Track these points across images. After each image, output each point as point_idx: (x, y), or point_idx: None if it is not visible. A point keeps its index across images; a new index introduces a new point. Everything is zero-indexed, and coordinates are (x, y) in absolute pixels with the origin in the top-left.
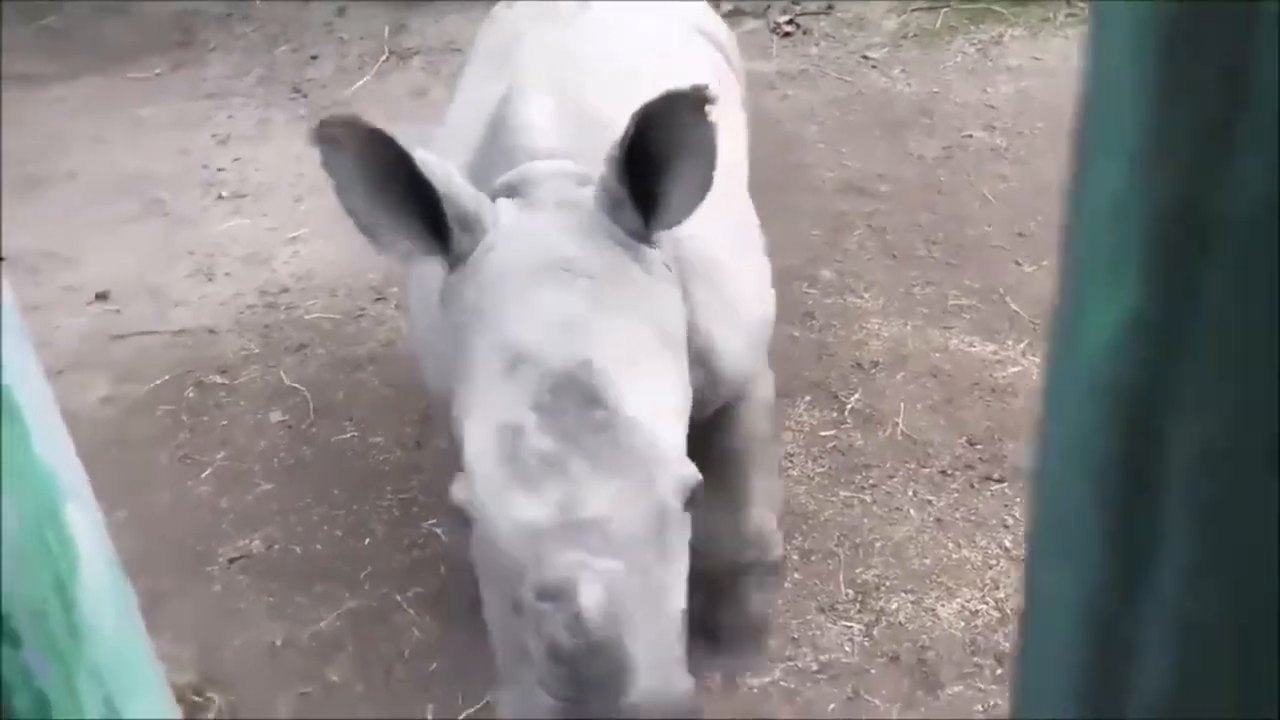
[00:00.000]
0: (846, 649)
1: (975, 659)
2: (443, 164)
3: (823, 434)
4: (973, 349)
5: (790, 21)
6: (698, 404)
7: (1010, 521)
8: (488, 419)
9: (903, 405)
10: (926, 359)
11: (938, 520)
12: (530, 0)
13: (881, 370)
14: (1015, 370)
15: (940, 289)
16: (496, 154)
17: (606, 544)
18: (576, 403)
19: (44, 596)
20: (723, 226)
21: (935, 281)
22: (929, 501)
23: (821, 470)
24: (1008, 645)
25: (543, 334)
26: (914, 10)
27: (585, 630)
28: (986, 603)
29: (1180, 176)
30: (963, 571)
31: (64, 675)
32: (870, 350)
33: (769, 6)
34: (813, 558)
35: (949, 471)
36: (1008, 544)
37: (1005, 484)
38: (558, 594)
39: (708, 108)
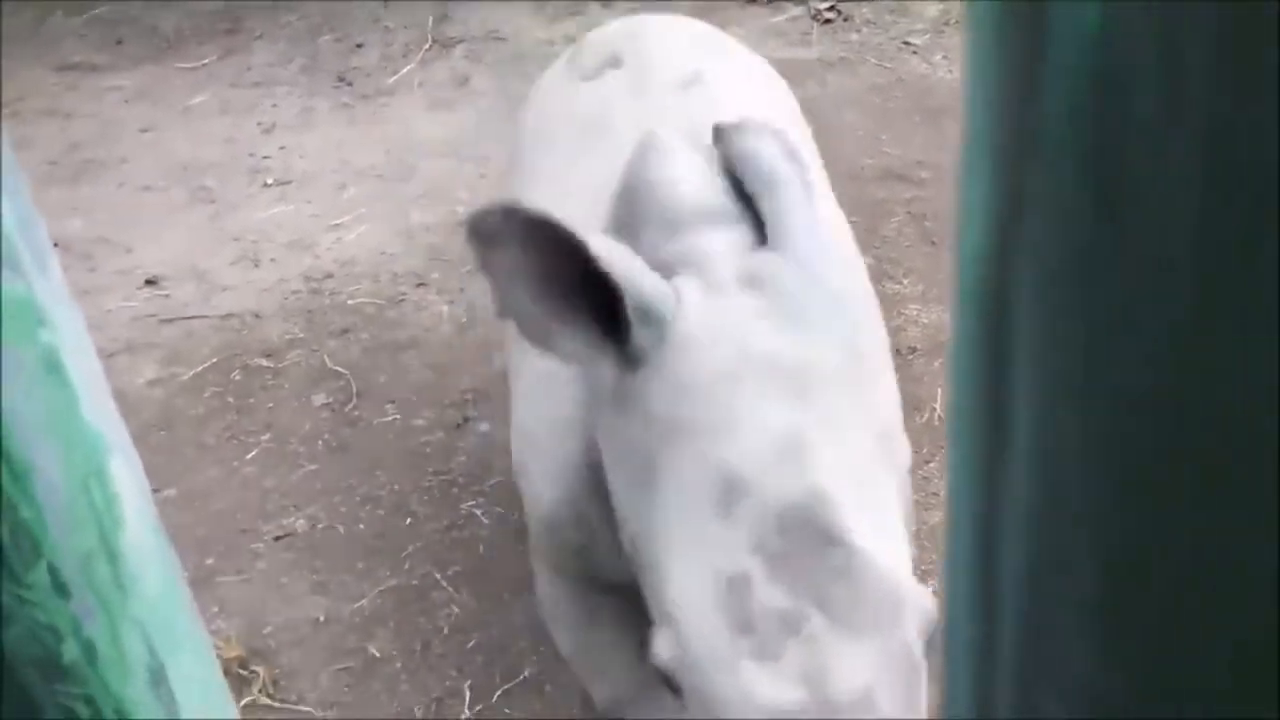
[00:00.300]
0: None
1: None
2: (620, 248)
3: None
4: None
5: (832, 8)
6: None
7: None
8: (700, 564)
9: (939, 391)
10: None
11: None
12: (605, 76)
13: (920, 356)
14: None
15: None
16: (644, 220)
17: None
18: (809, 544)
19: (91, 550)
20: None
21: None
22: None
23: None
24: None
25: (761, 457)
26: None
27: None
28: None
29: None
30: None
31: (110, 626)
32: (908, 336)
33: None
34: None
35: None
36: None
37: None
38: None
39: None
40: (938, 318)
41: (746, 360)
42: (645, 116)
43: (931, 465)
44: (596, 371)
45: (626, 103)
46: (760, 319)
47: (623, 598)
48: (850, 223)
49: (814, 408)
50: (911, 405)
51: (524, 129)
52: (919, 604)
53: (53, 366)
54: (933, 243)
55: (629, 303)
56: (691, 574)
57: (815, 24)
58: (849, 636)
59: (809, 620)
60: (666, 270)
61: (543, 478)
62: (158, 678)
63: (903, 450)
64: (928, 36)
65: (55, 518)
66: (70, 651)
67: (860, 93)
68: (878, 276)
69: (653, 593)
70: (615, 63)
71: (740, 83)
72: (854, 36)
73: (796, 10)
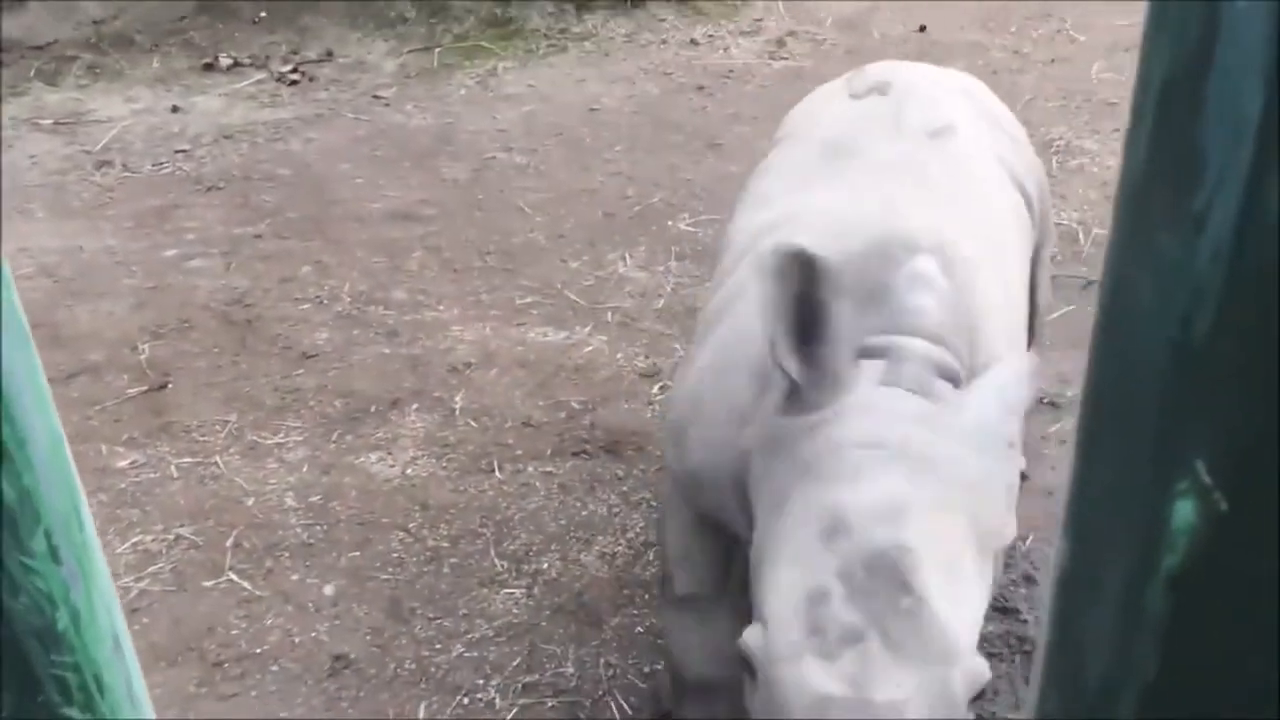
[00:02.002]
0: (515, 611)
1: (625, 591)
2: (840, 310)
3: (440, 434)
4: (547, 338)
5: (294, 70)
6: None
7: (621, 475)
8: (795, 578)
9: (503, 396)
10: (511, 353)
11: (561, 486)
12: (870, 98)
13: (476, 370)
14: (589, 350)
15: (504, 292)
16: (871, 299)
17: None
18: (886, 584)
19: (68, 514)
20: None
21: (498, 286)
22: (550, 472)
23: (451, 465)
24: (648, 575)
25: (867, 510)
26: (409, 52)
27: None
28: (620, 545)
29: None
30: (593, 524)
31: (87, 592)
32: (459, 354)
33: (268, 58)
34: (462, 542)
35: (559, 443)
36: (624, 491)
37: (605, 446)
38: None
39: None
40: (480, 334)
41: (887, 441)
42: (892, 154)
43: (518, 460)
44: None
45: (878, 133)
46: (914, 421)
47: (726, 542)
48: (374, 264)
49: (929, 494)
50: (482, 413)
51: (790, 125)
52: (970, 662)
53: (23, 331)
54: (455, 270)
55: (825, 359)
56: (785, 583)
57: (282, 85)
58: (898, 660)
59: (868, 638)
60: (869, 354)
61: (700, 443)
62: (118, 644)
63: (1008, 531)
64: (394, 89)
65: (42, 481)
66: (62, 619)
67: (346, 145)
68: (414, 307)
69: (757, 596)
70: (883, 90)
71: (985, 140)
72: (323, 94)
73: (259, 75)
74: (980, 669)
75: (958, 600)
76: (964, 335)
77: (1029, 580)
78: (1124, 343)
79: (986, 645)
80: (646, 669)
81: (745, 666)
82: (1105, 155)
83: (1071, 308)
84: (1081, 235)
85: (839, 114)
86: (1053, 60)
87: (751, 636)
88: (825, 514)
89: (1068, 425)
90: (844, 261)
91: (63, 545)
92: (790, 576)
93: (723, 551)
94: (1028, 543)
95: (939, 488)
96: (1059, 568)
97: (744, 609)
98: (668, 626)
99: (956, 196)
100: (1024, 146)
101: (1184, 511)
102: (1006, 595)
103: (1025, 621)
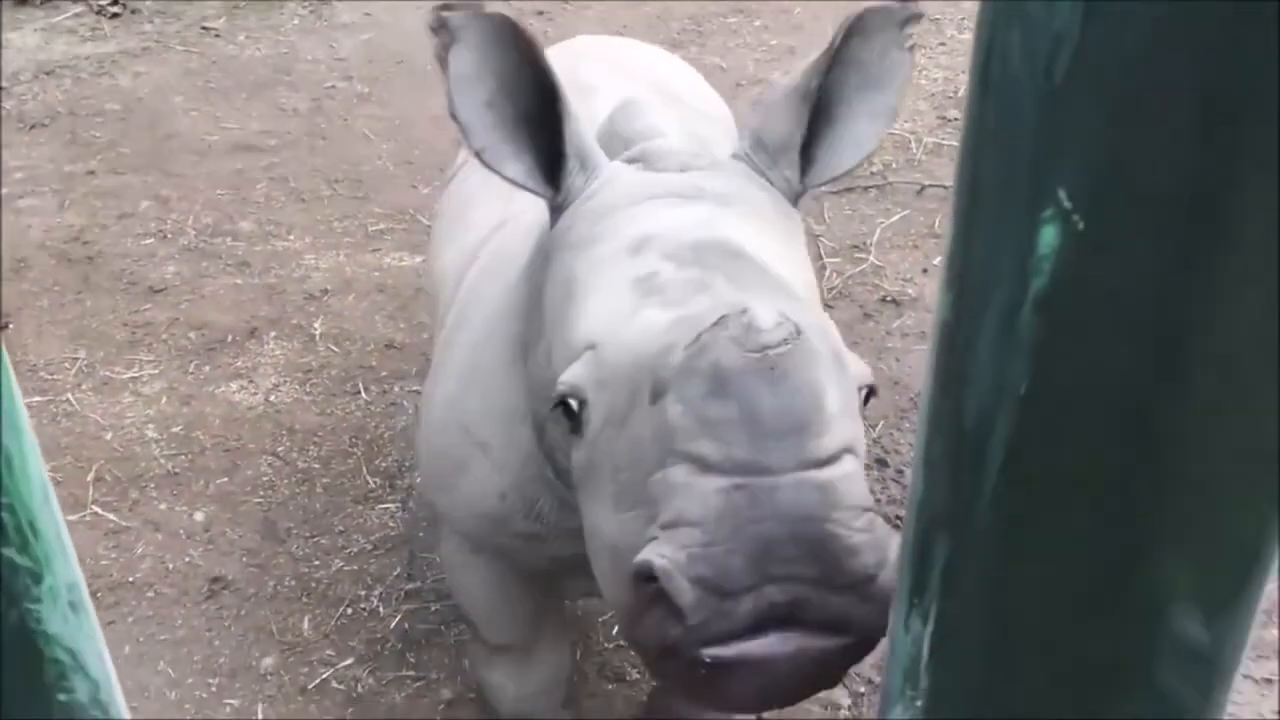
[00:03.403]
0: (391, 525)
1: None
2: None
3: (301, 360)
4: (404, 263)
5: (114, 2)
6: None
7: None
8: (610, 282)
9: (363, 321)
10: (368, 279)
11: None
12: None
13: (333, 296)
14: None
15: (357, 219)
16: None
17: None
18: (719, 256)
19: (43, 497)
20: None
21: (350, 214)
22: (416, 391)
23: (316, 390)
24: None
25: (677, 222)
26: None
27: (772, 346)
28: None
29: None
30: None
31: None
32: (315, 282)
33: None
34: (333, 462)
35: (424, 363)
36: None
37: None
38: (739, 326)
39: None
40: (334, 261)
41: (672, 187)
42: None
43: (384, 380)
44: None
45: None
46: (695, 173)
47: (534, 584)
48: (218, 196)
49: (740, 219)
50: (343, 337)
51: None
52: (815, 310)
53: None
54: (303, 200)
55: (569, 138)
56: (603, 290)
57: (104, 19)
58: (759, 293)
59: (715, 285)
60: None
61: (493, 468)
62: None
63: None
64: (223, 20)
65: (18, 466)
66: (47, 609)
67: (177, 78)
68: (265, 238)
69: (545, 378)
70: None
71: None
72: (148, 27)
73: (77, 8)
74: (864, 366)
75: (795, 268)
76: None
77: (881, 464)
78: (997, 97)
79: None
80: None
81: (569, 425)
82: (931, 68)
83: (907, 212)
84: (913, 143)
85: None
86: None
87: (572, 374)
88: (627, 239)
89: (909, 321)
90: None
91: (43, 530)
92: (604, 285)
93: (530, 593)
94: (878, 429)
95: (744, 209)
96: (940, 322)
97: (563, 646)
98: (479, 670)
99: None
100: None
101: (1048, 236)
102: None
103: (879, 501)
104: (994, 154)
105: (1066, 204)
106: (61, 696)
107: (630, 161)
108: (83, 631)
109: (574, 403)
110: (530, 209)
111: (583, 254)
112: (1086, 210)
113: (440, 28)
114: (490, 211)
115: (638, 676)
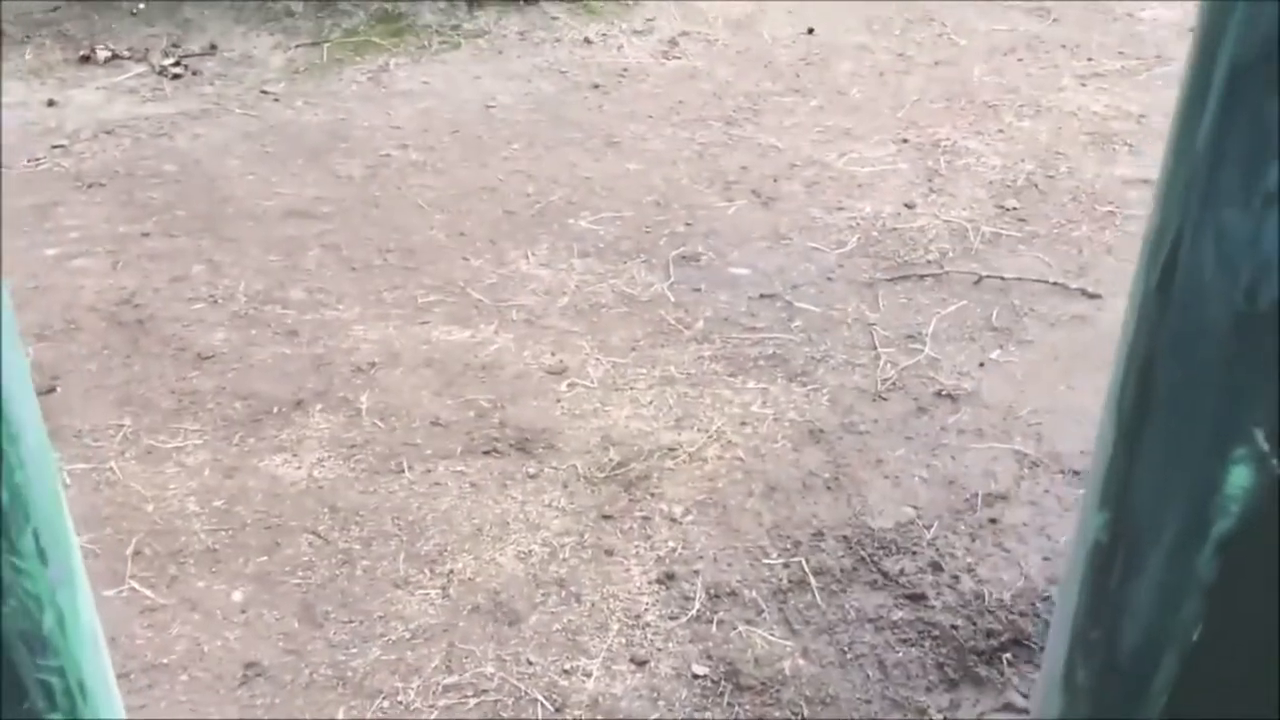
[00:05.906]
0: (430, 612)
1: (540, 590)
2: None
3: (346, 435)
4: (452, 336)
5: (177, 63)
6: None
7: (532, 472)
8: None
9: (410, 396)
10: (416, 352)
11: (473, 485)
12: None
13: (380, 369)
14: (495, 348)
15: (406, 290)
16: None
17: None
18: None
19: (53, 512)
20: None
21: (400, 285)
22: (460, 471)
23: (359, 466)
24: (563, 572)
25: None
26: (297, 46)
27: None
28: (535, 543)
29: None
30: (506, 522)
31: (72, 593)
32: (363, 354)
33: (148, 51)
34: (374, 544)
35: (469, 442)
36: (537, 488)
37: (515, 444)
38: None
39: None
40: (383, 333)
41: None
42: None
43: (427, 460)
44: None
45: None
46: None
47: None
48: (269, 261)
49: None
50: (389, 413)
51: None
52: None
53: (14, 328)
54: (354, 269)
55: None
56: None
57: (164, 79)
58: None
59: None
60: None
61: None
62: (97, 644)
63: None
64: (283, 84)
65: (31, 479)
66: (49, 621)
67: (234, 141)
68: (314, 306)
69: None
70: None
71: None
72: (208, 89)
73: (139, 68)
74: None
75: None
76: None
77: (936, 568)
78: (1182, 316)
79: (898, 631)
80: (567, 666)
81: None
82: (989, 155)
83: (964, 303)
84: (971, 233)
85: None
86: (936, 63)
87: None
88: None
89: (965, 416)
90: None
91: (49, 545)
92: None
93: None
94: (932, 530)
95: None
96: (1091, 541)
97: None
98: None
99: None
100: None
101: (1239, 477)
102: (914, 581)
103: (933, 607)
104: (1173, 369)
105: (1263, 446)
106: None
107: None
108: None
109: None
110: None
111: None
112: None
113: None
114: None
115: None
